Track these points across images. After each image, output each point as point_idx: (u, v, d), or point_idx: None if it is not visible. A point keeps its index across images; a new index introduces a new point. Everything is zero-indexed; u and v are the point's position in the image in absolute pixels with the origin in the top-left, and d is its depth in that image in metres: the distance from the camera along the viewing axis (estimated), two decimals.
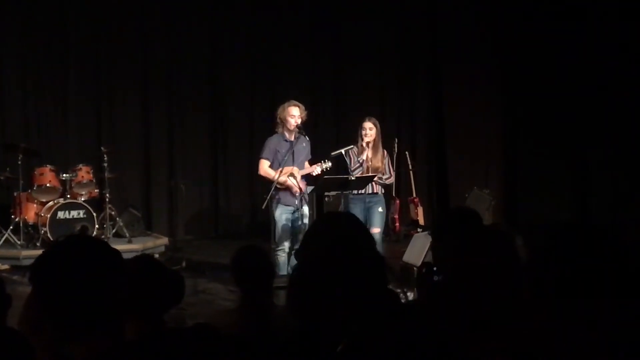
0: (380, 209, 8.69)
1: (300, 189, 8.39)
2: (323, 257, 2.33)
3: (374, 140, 8.63)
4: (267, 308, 3.75)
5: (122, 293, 2.00)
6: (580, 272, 1.68)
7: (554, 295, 1.69)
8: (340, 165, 8.96)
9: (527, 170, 13.00)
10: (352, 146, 8.66)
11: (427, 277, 3.05)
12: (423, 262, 3.21)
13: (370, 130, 8.60)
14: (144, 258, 3.17)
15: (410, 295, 5.91)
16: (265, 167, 8.54)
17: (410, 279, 7.12)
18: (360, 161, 8.54)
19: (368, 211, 8.62)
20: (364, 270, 2.32)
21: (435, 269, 3.05)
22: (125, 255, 2.35)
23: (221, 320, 3.69)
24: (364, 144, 8.57)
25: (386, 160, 8.82)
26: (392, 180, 9.10)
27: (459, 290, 2.41)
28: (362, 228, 2.66)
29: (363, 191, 8.60)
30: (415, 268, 7.07)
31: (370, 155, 8.60)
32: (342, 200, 8.63)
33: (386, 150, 9.02)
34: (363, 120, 8.73)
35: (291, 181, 8.34)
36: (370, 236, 2.71)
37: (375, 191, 8.67)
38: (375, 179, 8.55)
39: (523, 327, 1.80)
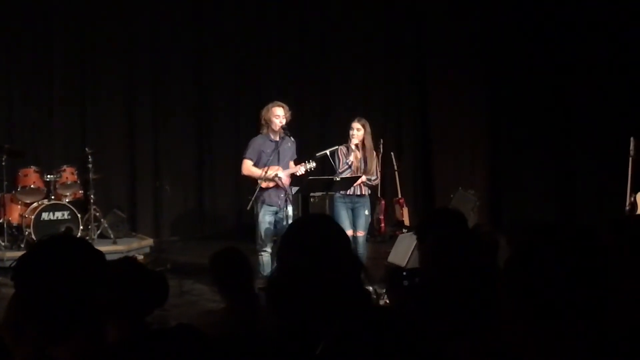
0: (366, 212, 8.68)
1: (284, 185, 8.38)
2: (299, 259, 2.33)
3: (363, 141, 8.58)
4: (250, 309, 3.75)
5: (105, 295, 2.00)
6: (562, 272, 1.69)
7: (533, 295, 1.70)
8: (326, 166, 8.94)
9: (512, 171, 13.05)
10: (336, 147, 8.62)
11: (396, 282, 3.07)
12: (392, 268, 3.24)
13: (357, 131, 8.52)
14: (126, 260, 3.16)
15: None
16: (248, 166, 8.51)
17: None
18: (349, 163, 8.50)
19: (354, 213, 8.60)
20: (339, 271, 2.33)
21: (404, 273, 3.07)
22: (110, 257, 2.36)
23: (205, 321, 3.69)
24: (352, 146, 8.52)
25: (375, 162, 8.80)
26: (378, 181, 9.10)
27: (439, 290, 2.42)
28: (338, 229, 2.66)
29: (351, 192, 8.54)
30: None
31: (360, 156, 8.57)
32: (327, 201, 8.62)
33: (375, 152, 9.00)
34: (352, 120, 8.71)
35: (278, 177, 8.33)
36: (346, 237, 2.71)
37: (362, 193, 8.63)
38: (364, 179, 8.52)
39: (501, 327, 1.81)
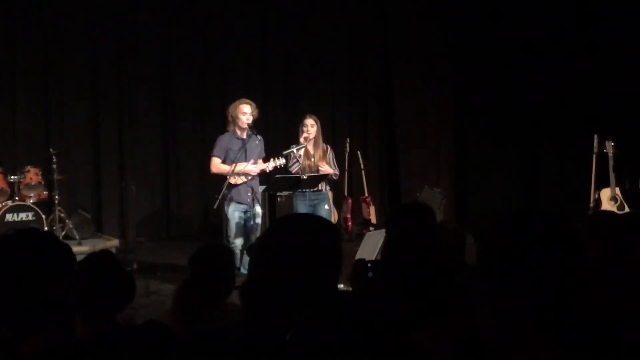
0: (326, 207, 8.74)
1: (266, 170, 8.40)
2: (285, 256, 2.32)
3: (314, 137, 8.67)
4: (220, 306, 3.74)
5: (73, 288, 1.98)
6: (526, 258, 1.69)
7: (499, 281, 1.71)
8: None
9: (478, 169, 13.15)
10: (303, 145, 8.65)
11: (361, 274, 3.08)
12: (357, 260, 3.22)
13: (312, 127, 8.64)
14: (96, 255, 3.11)
15: None
16: (217, 164, 8.51)
17: None
18: (298, 157, 8.57)
19: (314, 209, 8.62)
20: (324, 269, 2.32)
21: (369, 265, 3.08)
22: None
23: (172, 320, 3.67)
24: (302, 140, 8.59)
25: (330, 155, 8.84)
26: (337, 172, 9.06)
27: (399, 280, 2.43)
28: (328, 224, 2.64)
29: (306, 189, 8.62)
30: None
31: (311, 152, 8.63)
32: (294, 200, 8.67)
33: (329, 146, 9.03)
34: (304, 117, 8.76)
35: (250, 167, 8.35)
36: (332, 235, 2.70)
37: (319, 188, 8.69)
38: (328, 176, 8.60)
39: (468, 313, 1.82)
